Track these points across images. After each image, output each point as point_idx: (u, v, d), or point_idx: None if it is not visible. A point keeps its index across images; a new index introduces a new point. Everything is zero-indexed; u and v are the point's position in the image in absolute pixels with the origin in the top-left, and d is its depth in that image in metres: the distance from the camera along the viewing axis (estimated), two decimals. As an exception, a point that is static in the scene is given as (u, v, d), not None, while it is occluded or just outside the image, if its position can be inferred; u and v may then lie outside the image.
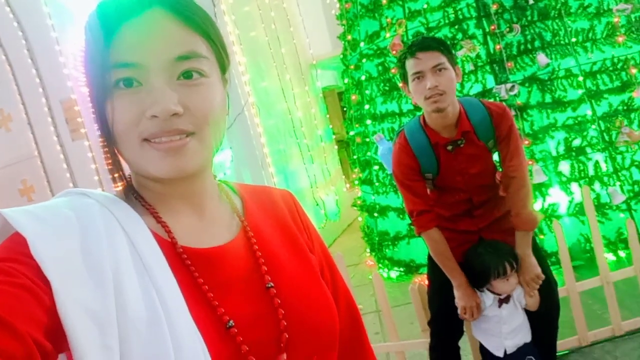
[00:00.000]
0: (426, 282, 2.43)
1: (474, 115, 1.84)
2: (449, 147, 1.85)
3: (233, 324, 0.58)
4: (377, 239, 4.34)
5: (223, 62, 0.65)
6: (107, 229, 0.56)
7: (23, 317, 0.44)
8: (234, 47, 4.25)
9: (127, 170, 0.65)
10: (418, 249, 3.87)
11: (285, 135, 5.17)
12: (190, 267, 0.60)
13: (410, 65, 1.78)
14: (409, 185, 1.92)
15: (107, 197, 0.61)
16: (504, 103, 3.59)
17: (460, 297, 1.87)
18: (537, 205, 3.56)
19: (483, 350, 1.99)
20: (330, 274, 0.81)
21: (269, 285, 0.65)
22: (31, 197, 3.56)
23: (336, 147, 6.73)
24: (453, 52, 1.84)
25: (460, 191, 1.92)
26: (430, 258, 2.07)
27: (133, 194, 0.64)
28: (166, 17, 0.57)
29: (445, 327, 2.08)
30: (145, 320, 0.52)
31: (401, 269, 4.11)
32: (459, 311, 1.88)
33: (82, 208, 0.57)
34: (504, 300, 1.85)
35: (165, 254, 0.59)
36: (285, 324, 0.63)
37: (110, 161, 0.61)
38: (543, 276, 1.84)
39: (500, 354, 1.87)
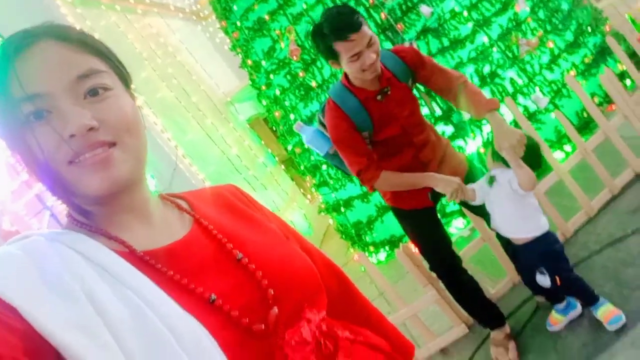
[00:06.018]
0: (411, 246, 2.49)
1: (388, 62, 1.92)
2: (379, 97, 1.91)
3: (215, 297, 0.60)
4: (353, 231, 4.39)
5: (123, 75, 0.67)
6: (61, 256, 0.56)
7: (1, 344, 0.45)
8: (144, 111, 4.21)
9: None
10: (394, 223, 3.93)
11: (229, 175, 5.16)
12: (156, 265, 0.61)
13: (345, 48, 1.74)
14: (349, 144, 1.95)
15: (52, 231, 0.61)
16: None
17: (442, 187, 1.85)
18: (477, 140, 3.73)
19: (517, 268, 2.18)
20: (296, 241, 0.83)
21: (240, 257, 0.67)
22: None
23: (283, 167, 6.76)
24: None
25: (399, 137, 1.98)
26: (404, 225, 2.18)
27: (77, 224, 0.64)
28: (56, 45, 0.59)
29: (441, 248, 2.18)
30: (129, 316, 0.52)
31: (386, 248, 4.18)
32: (447, 199, 1.86)
33: (29, 245, 0.56)
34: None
35: (128, 262, 0.59)
36: (266, 282, 0.65)
37: (58, 193, 0.60)
38: (524, 136, 1.75)
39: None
